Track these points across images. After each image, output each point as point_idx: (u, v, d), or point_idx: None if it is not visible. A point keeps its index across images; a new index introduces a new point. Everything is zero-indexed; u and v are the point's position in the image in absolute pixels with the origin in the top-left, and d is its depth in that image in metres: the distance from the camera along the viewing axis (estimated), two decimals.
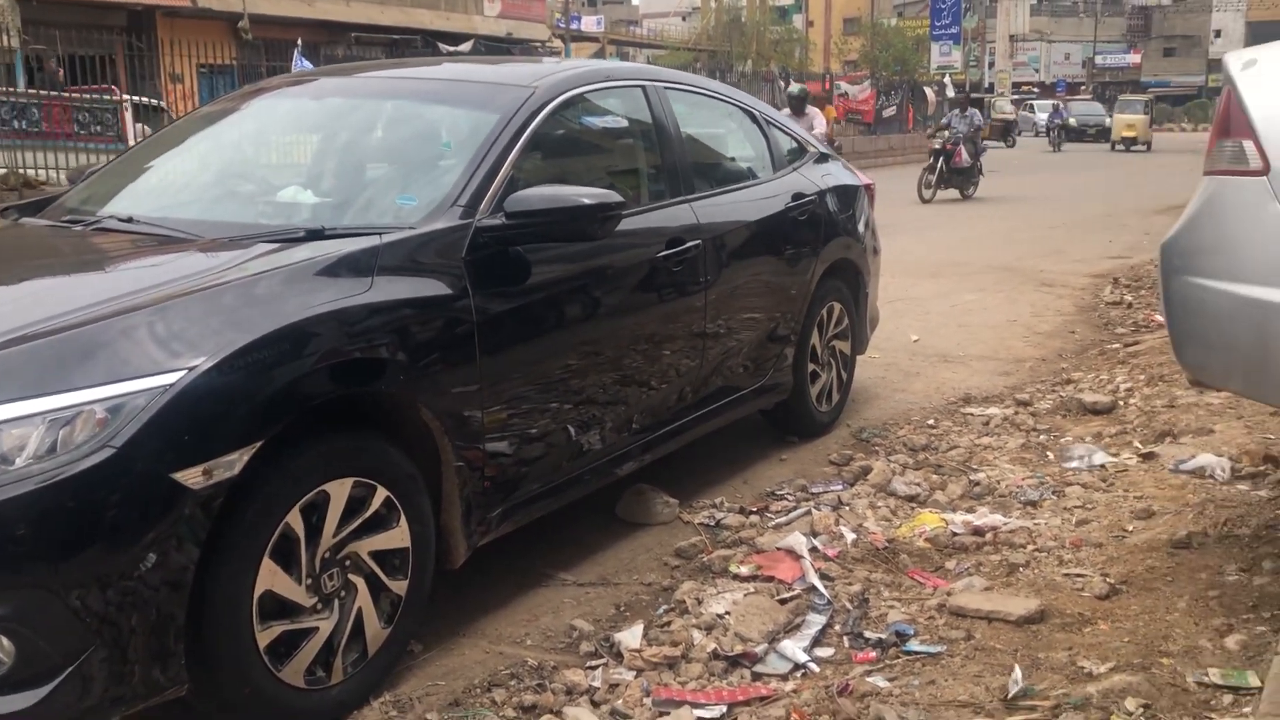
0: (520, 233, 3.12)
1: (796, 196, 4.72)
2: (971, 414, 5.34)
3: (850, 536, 3.73)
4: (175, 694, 2.37)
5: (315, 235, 2.94)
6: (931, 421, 5.22)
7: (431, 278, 2.91)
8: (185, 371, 2.33)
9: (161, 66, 17.93)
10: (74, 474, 2.17)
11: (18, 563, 2.14)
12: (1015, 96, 47.57)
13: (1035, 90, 58.96)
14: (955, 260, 10.61)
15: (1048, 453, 4.69)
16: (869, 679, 2.77)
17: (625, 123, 4.08)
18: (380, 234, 2.92)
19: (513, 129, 3.34)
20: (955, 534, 3.74)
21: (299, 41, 19.40)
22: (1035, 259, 10.70)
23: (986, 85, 44.85)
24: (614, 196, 3.20)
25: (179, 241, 3.02)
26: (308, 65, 15.74)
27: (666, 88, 4.21)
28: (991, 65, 47.89)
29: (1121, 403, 5.34)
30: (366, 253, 2.82)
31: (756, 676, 2.89)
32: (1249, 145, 2.92)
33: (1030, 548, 3.60)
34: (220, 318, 2.49)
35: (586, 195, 3.15)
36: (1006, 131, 35.75)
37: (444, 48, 24.66)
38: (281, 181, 3.53)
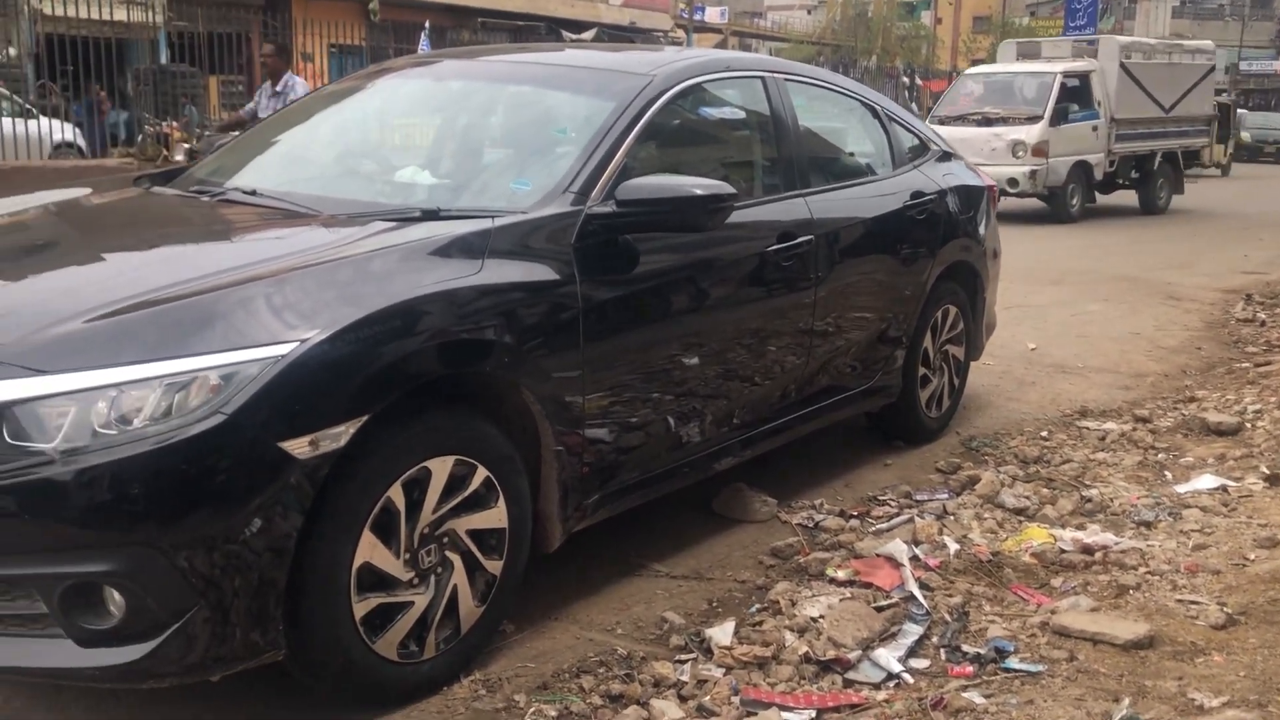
0: (630, 221, 3.10)
1: (915, 195, 4.61)
2: (1087, 428, 5.15)
3: (953, 547, 3.63)
4: (272, 658, 2.43)
5: (430, 215, 2.98)
6: (1045, 433, 5.06)
7: (540, 262, 2.92)
8: (297, 344, 2.37)
9: (294, 45, 18.45)
10: (187, 438, 2.23)
11: (130, 521, 2.21)
12: None
13: None
14: (1078, 268, 10.27)
15: (1166, 472, 4.51)
16: (964, 694, 2.69)
17: (742, 114, 4.03)
18: (493, 217, 2.94)
19: (628, 117, 3.33)
20: (1063, 551, 3.62)
21: (426, 24, 19.78)
22: (1163, 270, 10.30)
23: None
24: (726, 188, 3.16)
25: (299, 216, 3.08)
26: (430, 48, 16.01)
27: (786, 80, 4.15)
28: None
29: (1249, 424, 5.09)
30: (478, 235, 2.85)
31: (848, 683, 2.84)
32: None
33: (1142, 570, 3.45)
34: (334, 292, 2.53)
35: (698, 185, 3.12)
36: None
37: (568, 35, 24.84)
38: (401, 161, 3.59)
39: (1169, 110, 16.56)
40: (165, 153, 12.35)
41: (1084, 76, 15.15)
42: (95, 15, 13.08)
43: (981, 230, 5.09)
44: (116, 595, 2.25)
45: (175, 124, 14.61)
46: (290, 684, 2.62)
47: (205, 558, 2.26)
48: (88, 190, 3.65)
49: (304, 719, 2.60)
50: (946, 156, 5.12)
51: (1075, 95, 15.09)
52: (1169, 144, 16.62)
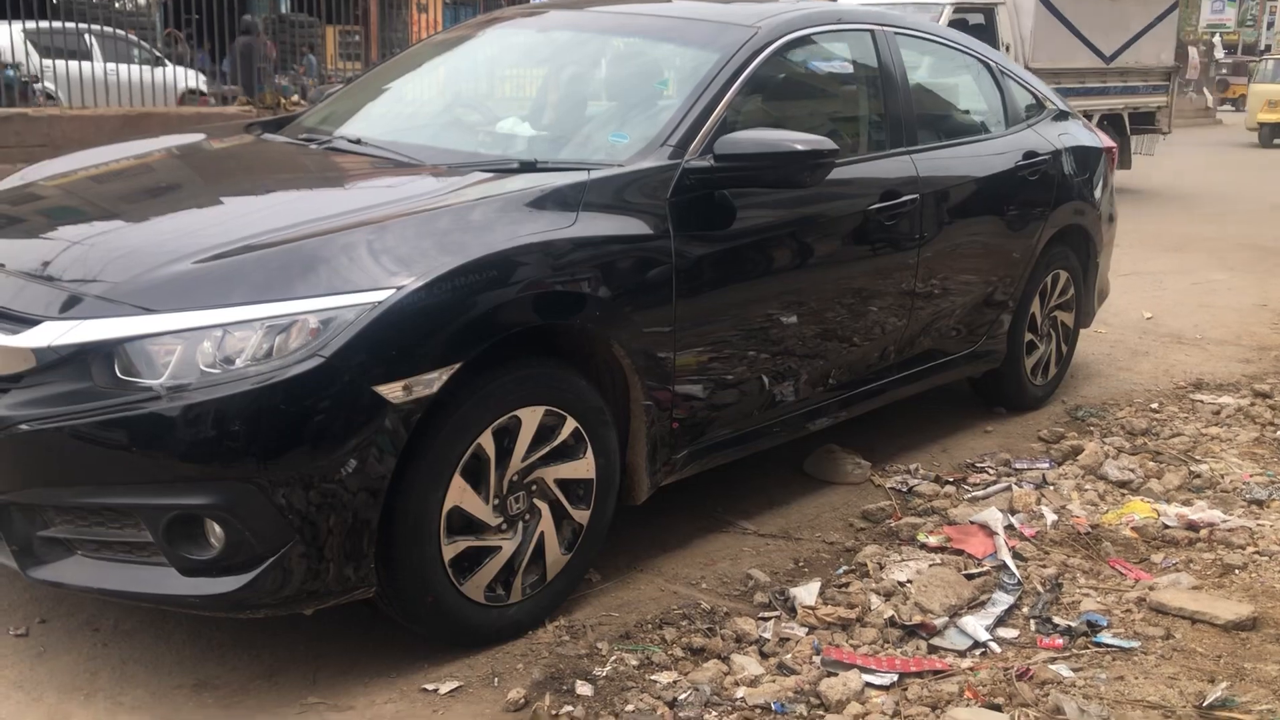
0: (728, 176, 3.07)
1: (1028, 155, 4.46)
2: (1201, 401, 4.96)
3: (1051, 518, 3.55)
4: (364, 595, 2.50)
5: (528, 167, 3.00)
6: (1155, 405, 4.88)
7: (634, 216, 2.91)
8: (394, 290, 2.42)
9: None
10: (286, 379, 2.30)
11: (231, 457, 2.29)
12: None
13: None
14: (1204, 235, 9.85)
15: None
16: (1052, 666, 2.64)
17: (850, 68, 3.94)
18: (589, 170, 2.95)
19: (730, 70, 3.29)
20: (1167, 526, 3.50)
21: None
22: None
23: (1263, 47, 41.10)
24: (827, 144, 3.10)
25: (401, 165, 3.13)
26: None
27: (897, 33, 4.04)
28: (1271, 26, 43.82)
29: None
30: (573, 188, 2.85)
31: (932, 649, 2.80)
32: None
33: (1250, 549, 3.33)
34: (431, 241, 2.57)
35: (799, 141, 3.07)
36: None
37: None
38: (503, 112, 3.60)
39: (1110, 59, 12.65)
40: (284, 101, 12.64)
41: (988, 11, 11.06)
42: None
43: (1097, 193, 4.91)
44: (217, 528, 2.34)
45: (296, 71, 14.93)
46: (383, 621, 2.70)
47: (302, 495, 2.33)
48: (203, 136, 3.76)
49: (395, 655, 2.68)
50: (1063, 116, 4.94)
51: (975, 37, 12.15)
52: (1110, 103, 12.60)
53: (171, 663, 2.62)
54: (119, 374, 2.31)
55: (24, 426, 2.30)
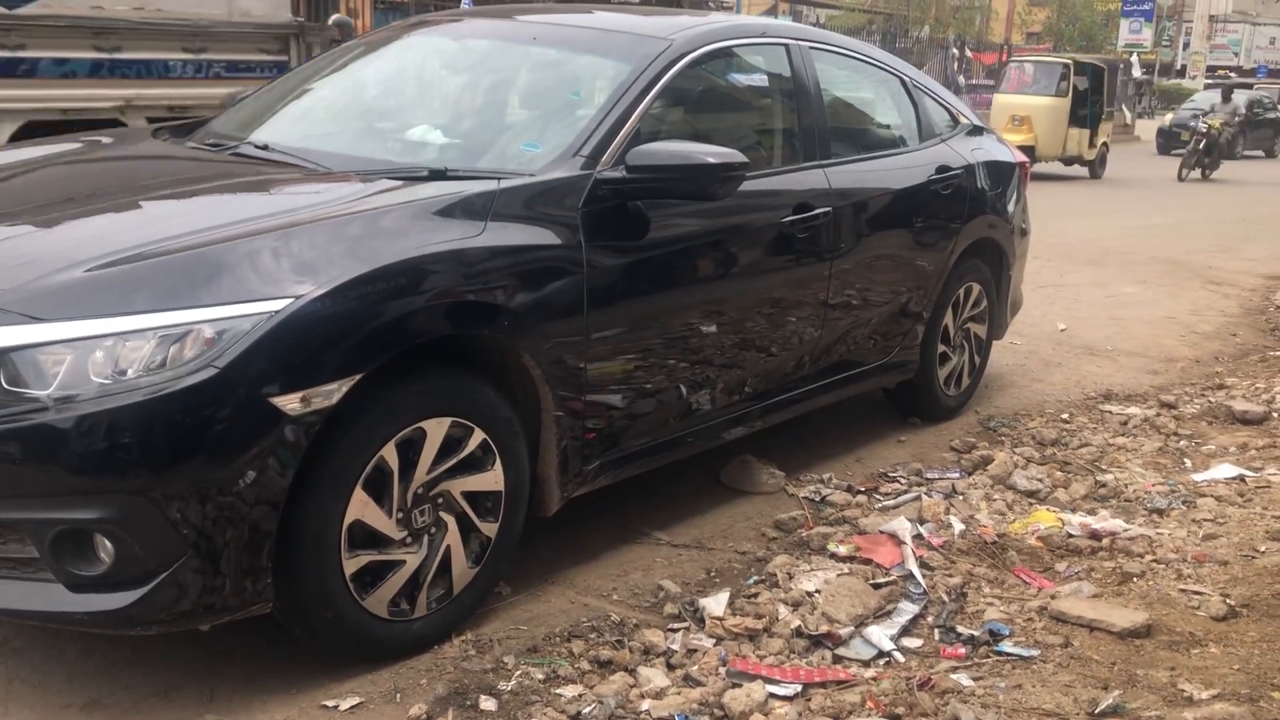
0: (640, 187, 3.07)
1: (941, 169, 4.54)
2: (1110, 411, 5.08)
3: (959, 527, 3.60)
4: (261, 610, 2.45)
5: (438, 175, 2.97)
6: (1066, 416, 4.99)
7: (545, 226, 2.90)
8: (291, 300, 2.37)
9: (341, 2, 18.43)
10: (179, 389, 2.25)
11: (122, 469, 2.23)
12: (1208, 81, 44.42)
13: (1231, 74, 55.24)
14: (1119, 249, 10.10)
15: (1185, 459, 4.43)
16: (953, 675, 2.67)
17: (763, 81, 3.97)
18: (499, 179, 2.93)
19: (644, 82, 3.29)
20: (1070, 535, 3.57)
21: None
22: (1206, 254, 10.10)
23: (1178, 67, 42.37)
24: (738, 156, 3.12)
25: (308, 172, 3.08)
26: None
27: (812, 48, 4.08)
28: (1186, 46, 45.18)
29: (1276, 414, 4.99)
30: (482, 197, 2.83)
31: (837, 659, 2.82)
32: None
33: (1149, 558, 3.41)
34: (334, 249, 2.53)
35: (710, 154, 3.08)
36: None
37: None
38: (415, 120, 3.57)
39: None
40: None
41: None
42: None
43: (1010, 207, 5.01)
44: (106, 542, 2.27)
45: None
46: (282, 636, 2.65)
47: (196, 508, 2.28)
48: (110, 139, 3.67)
49: (295, 671, 2.63)
50: (978, 131, 5.03)
51: None
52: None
53: (61, 681, 2.55)
54: (5, 384, 2.24)
55: None
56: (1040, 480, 4.08)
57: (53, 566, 2.28)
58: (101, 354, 2.26)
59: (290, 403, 2.34)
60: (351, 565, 2.55)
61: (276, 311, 2.35)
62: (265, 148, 3.29)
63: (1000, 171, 4.95)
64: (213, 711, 2.48)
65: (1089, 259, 9.38)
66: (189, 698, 2.52)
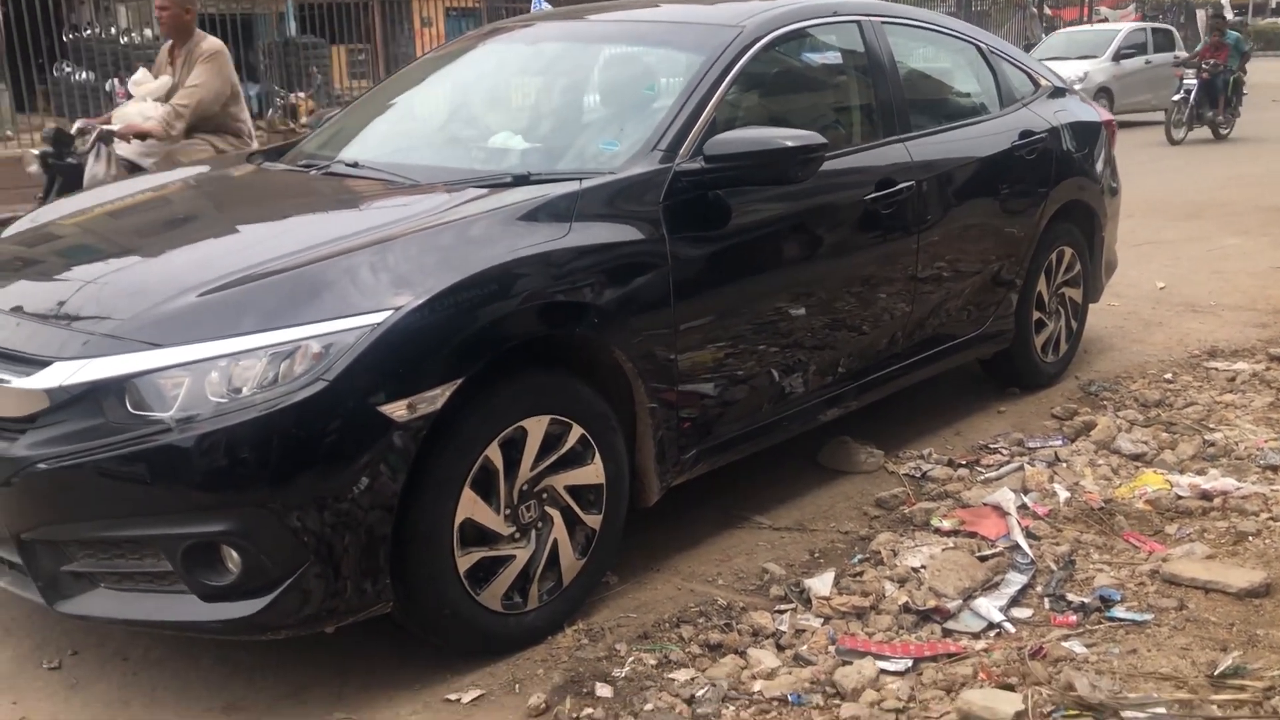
0: (720, 176, 3.11)
1: (1025, 134, 4.47)
2: (1216, 369, 4.95)
3: (1064, 495, 3.56)
4: (381, 610, 2.56)
5: (521, 181, 3.04)
6: (1169, 376, 4.87)
7: (628, 223, 2.95)
8: (391, 311, 2.47)
9: (415, 11, 18.77)
10: (291, 404, 2.35)
11: (243, 483, 2.35)
12: None
13: None
14: (1217, 201, 9.77)
15: None
16: (1065, 643, 2.66)
17: (837, 60, 3.97)
18: (580, 179, 2.99)
19: (717, 71, 3.32)
20: (1180, 497, 3.51)
21: None
22: None
23: (1274, 5, 40.64)
24: (816, 138, 3.13)
25: (398, 186, 3.18)
26: (546, 6, 16.10)
27: (884, 22, 4.06)
28: None
29: None
30: (565, 198, 2.89)
31: (947, 633, 2.83)
32: None
33: (1264, 516, 3.33)
34: (429, 259, 2.63)
35: (788, 137, 3.10)
36: None
37: None
38: (496, 126, 3.65)
39: None
40: (292, 125, 12.74)
41: None
42: None
43: (1098, 167, 4.91)
44: (233, 553, 2.40)
45: (303, 95, 15.06)
46: (404, 635, 2.75)
47: (315, 516, 2.39)
48: (206, 168, 3.83)
49: (418, 668, 2.73)
50: (1059, 92, 4.94)
51: None
52: None
53: (200, 687, 2.68)
54: (130, 409, 2.37)
55: (42, 465, 2.37)
56: (1146, 443, 4.00)
57: (185, 579, 2.41)
58: (217, 375, 2.38)
59: (398, 410, 2.43)
60: (464, 562, 2.63)
61: (379, 324, 2.44)
62: (355, 165, 3.40)
63: (1086, 131, 4.85)
64: (341, 709, 2.59)
65: (1186, 213, 9.10)
66: (319, 697, 2.64)
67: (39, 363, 2.45)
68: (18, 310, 2.67)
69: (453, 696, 2.62)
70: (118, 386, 2.38)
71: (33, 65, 11.88)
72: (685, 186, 3.07)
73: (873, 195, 3.67)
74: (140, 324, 2.47)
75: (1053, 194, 4.54)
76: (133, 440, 2.34)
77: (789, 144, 3.08)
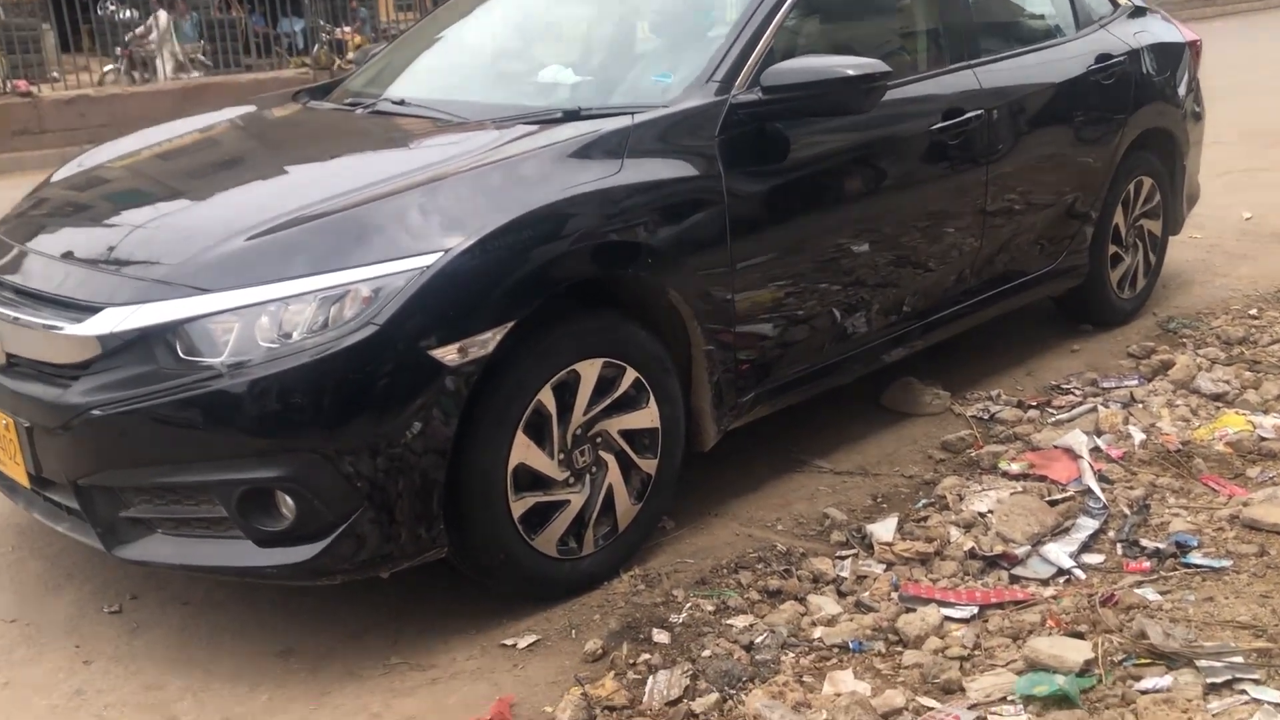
0: (778, 108, 2.99)
1: (1101, 58, 4.26)
2: None
3: (1139, 437, 3.43)
4: (436, 555, 2.54)
5: (572, 116, 2.95)
6: (1254, 311, 4.67)
7: (682, 158, 2.85)
8: (441, 253, 2.42)
9: None
10: (343, 349, 2.32)
11: (295, 429, 2.34)
12: None
13: None
14: None
15: None
16: (1138, 590, 2.56)
17: None
18: (633, 114, 2.89)
19: None
20: (1263, 439, 3.35)
21: None
22: None
23: None
24: (879, 66, 2.99)
25: (444, 123, 3.12)
26: None
27: None
28: None
29: None
30: (617, 134, 2.81)
31: (1014, 580, 2.74)
32: None
33: None
34: (478, 200, 2.57)
35: (849, 65, 2.96)
36: None
37: None
38: (546, 60, 3.55)
39: None
40: (338, 60, 12.62)
41: None
42: None
43: (1180, 91, 4.68)
44: (287, 499, 2.39)
45: (349, 29, 14.91)
46: (460, 580, 2.74)
47: (368, 461, 2.36)
48: (252, 108, 3.79)
49: (474, 613, 2.71)
50: (1140, 11, 4.70)
51: None
52: None
53: (258, 631, 2.70)
54: (181, 354, 2.36)
55: (96, 412, 2.37)
56: (1227, 382, 3.84)
57: (241, 524, 2.41)
58: (267, 319, 2.35)
59: (448, 354, 2.39)
60: (519, 507, 2.60)
61: (428, 266, 2.39)
62: (402, 102, 3.34)
63: (1168, 53, 4.62)
64: (398, 654, 2.59)
65: (1277, 139, 8.70)
66: (376, 642, 2.64)
67: (91, 309, 2.45)
68: (68, 256, 2.68)
69: (509, 642, 2.60)
70: (169, 332, 2.37)
71: (76, 4, 11.91)
72: (742, 119, 2.96)
73: (940, 125, 3.53)
74: (190, 269, 2.45)
75: (1131, 121, 4.34)
76: (184, 386, 2.33)
77: (850, 73, 2.95)
